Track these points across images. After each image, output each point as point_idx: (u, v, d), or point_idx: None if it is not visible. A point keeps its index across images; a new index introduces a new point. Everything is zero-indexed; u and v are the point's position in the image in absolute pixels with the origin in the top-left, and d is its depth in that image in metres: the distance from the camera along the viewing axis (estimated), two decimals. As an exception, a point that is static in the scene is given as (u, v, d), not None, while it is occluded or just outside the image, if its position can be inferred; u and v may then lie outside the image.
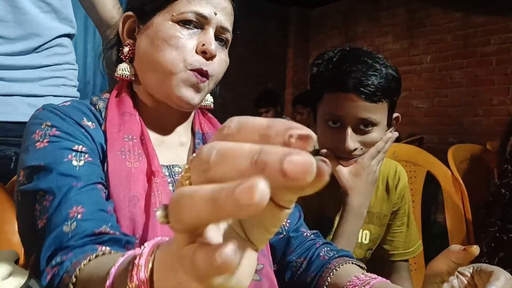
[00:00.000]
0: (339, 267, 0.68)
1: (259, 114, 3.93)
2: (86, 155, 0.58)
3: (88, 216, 0.52)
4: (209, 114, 0.80)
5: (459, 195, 1.50)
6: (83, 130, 0.60)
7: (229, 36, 0.69)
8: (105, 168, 0.59)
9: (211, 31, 0.65)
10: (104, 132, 0.62)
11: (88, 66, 3.17)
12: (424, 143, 3.82)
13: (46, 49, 0.91)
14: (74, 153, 0.57)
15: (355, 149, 0.87)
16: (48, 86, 0.91)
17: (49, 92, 0.92)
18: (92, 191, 0.55)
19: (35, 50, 0.89)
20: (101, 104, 0.67)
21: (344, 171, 0.90)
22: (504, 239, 1.26)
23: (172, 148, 0.71)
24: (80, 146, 0.58)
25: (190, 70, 0.63)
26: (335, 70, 0.86)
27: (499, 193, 1.31)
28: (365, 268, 0.70)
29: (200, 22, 0.64)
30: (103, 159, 0.60)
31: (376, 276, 0.64)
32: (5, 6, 0.83)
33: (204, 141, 0.73)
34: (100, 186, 0.57)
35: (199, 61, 0.63)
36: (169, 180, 0.66)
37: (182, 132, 0.73)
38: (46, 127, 0.58)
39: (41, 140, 0.57)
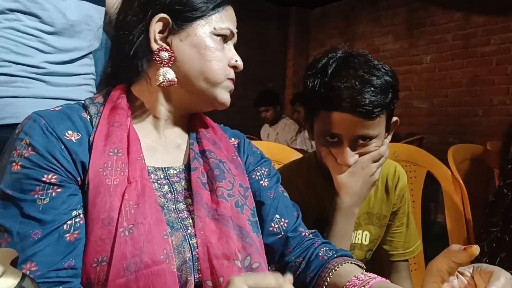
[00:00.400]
0: (338, 267, 0.68)
1: (259, 113, 3.93)
2: (55, 187, 0.57)
3: (39, 278, 0.52)
4: (204, 116, 0.80)
5: (459, 195, 1.50)
6: (63, 146, 0.59)
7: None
8: (85, 186, 0.59)
9: (232, 46, 0.74)
10: (91, 144, 0.61)
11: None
12: (424, 143, 3.82)
13: (81, 59, 1.03)
14: (41, 186, 0.56)
15: (355, 161, 0.88)
16: (81, 91, 1.02)
17: (81, 97, 1.00)
18: (51, 243, 0.55)
19: (75, 60, 1.01)
20: (93, 110, 0.67)
21: (338, 170, 0.89)
22: (506, 240, 1.26)
23: (169, 151, 0.72)
24: (50, 175, 0.57)
25: (228, 79, 0.72)
26: (330, 88, 0.84)
27: (502, 194, 1.31)
28: (364, 267, 0.70)
29: (229, 38, 0.72)
30: (84, 176, 0.60)
31: (376, 276, 0.64)
32: (65, 23, 0.96)
33: (199, 140, 0.74)
34: (65, 226, 0.56)
35: (233, 73, 0.73)
36: (164, 181, 0.67)
37: (179, 134, 0.75)
38: (24, 145, 0.58)
39: (16, 161, 0.57)
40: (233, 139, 0.81)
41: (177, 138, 0.74)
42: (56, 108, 0.65)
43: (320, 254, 0.73)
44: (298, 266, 0.73)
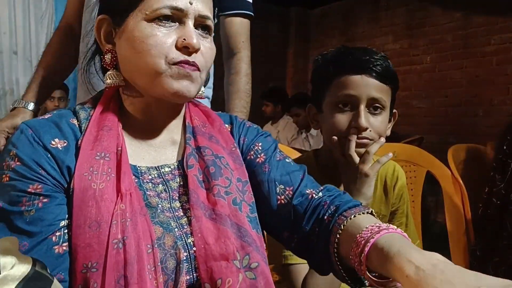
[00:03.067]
0: (345, 224, 0.62)
1: (259, 112, 3.92)
2: (41, 197, 0.57)
3: None
4: (202, 104, 0.78)
5: (459, 195, 1.50)
6: (49, 155, 0.59)
7: (210, 22, 0.66)
8: (71, 190, 0.58)
9: (190, 24, 0.62)
10: (78, 149, 0.61)
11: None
12: (424, 143, 3.81)
13: None
14: (27, 197, 0.56)
15: (367, 128, 0.88)
16: None
17: None
18: (39, 255, 0.54)
19: None
20: (82, 115, 0.66)
21: (355, 174, 0.89)
22: (498, 245, 1.26)
23: (163, 148, 0.70)
24: (35, 185, 0.57)
25: (174, 64, 0.61)
26: (344, 55, 0.91)
27: (491, 202, 1.31)
28: (374, 214, 0.66)
29: (177, 16, 0.62)
30: (70, 181, 0.59)
31: (388, 226, 0.58)
32: None
33: (195, 135, 0.71)
34: (53, 238, 0.56)
35: (181, 55, 0.61)
36: (159, 180, 0.66)
37: (174, 129, 0.72)
38: (12, 156, 0.58)
39: (5, 173, 0.57)
40: (227, 125, 0.77)
41: (172, 133, 0.72)
42: (46, 116, 0.64)
43: (325, 218, 0.66)
44: (316, 234, 0.67)
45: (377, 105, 0.89)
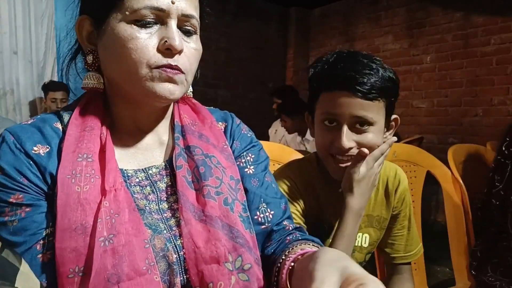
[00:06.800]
0: (293, 248, 0.63)
1: (259, 113, 3.91)
2: (23, 207, 0.56)
3: None
4: (193, 100, 0.75)
5: (459, 195, 1.50)
6: (31, 161, 0.58)
7: (195, 22, 0.63)
8: (54, 195, 0.57)
9: (173, 24, 0.59)
10: (60, 152, 0.59)
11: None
12: (424, 143, 3.81)
13: None
14: (9, 207, 0.56)
15: (350, 148, 0.86)
16: None
17: None
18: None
19: None
20: (66, 118, 0.64)
21: (350, 172, 0.89)
22: (497, 247, 1.25)
23: (151, 150, 0.69)
24: (16, 195, 0.56)
25: (156, 68, 0.58)
26: (331, 69, 0.87)
27: (490, 203, 1.30)
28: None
29: (158, 17, 0.59)
30: (53, 187, 0.57)
31: (310, 249, 0.59)
32: None
33: (184, 134, 0.69)
34: (38, 246, 0.55)
35: (163, 58, 0.59)
36: (146, 182, 0.65)
37: (162, 130, 0.71)
38: None
39: None
40: (220, 123, 0.75)
41: (160, 135, 0.70)
42: (29, 121, 0.63)
43: (287, 240, 0.68)
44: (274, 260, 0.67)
45: (363, 122, 0.86)
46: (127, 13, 0.58)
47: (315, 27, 5.51)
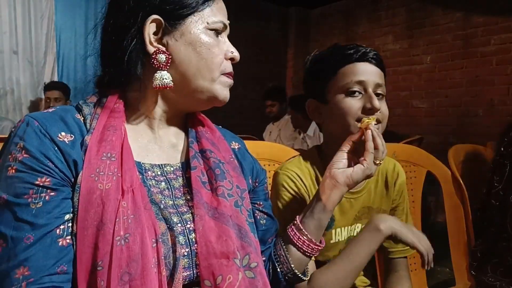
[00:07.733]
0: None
1: (259, 113, 3.92)
2: (49, 191, 0.57)
3: (32, 284, 0.53)
4: (202, 115, 0.80)
5: (459, 195, 1.50)
6: (56, 147, 0.59)
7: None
8: (78, 187, 0.59)
9: (226, 38, 0.72)
10: (86, 147, 0.61)
11: (89, 66, 3.17)
12: (424, 143, 3.81)
13: None
14: (35, 189, 0.57)
15: (378, 110, 0.91)
16: None
17: None
18: (43, 247, 0.55)
19: None
20: (86, 110, 0.67)
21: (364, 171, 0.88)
22: (498, 247, 1.25)
23: (164, 150, 0.72)
24: (43, 178, 0.57)
25: (223, 74, 0.70)
26: (345, 48, 0.97)
27: (489, 203, 1.30)
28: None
29: (222, 30, 0.71)
30: (77, 175, 0.59)
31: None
32: None
33: (198, 139, 0.74)
34: (57, 230, 0.57)
35: (229, 66, 0.71)
36: (161, 178, 0.68)
37: (175, 134, 0.75)
38: (19, 148, 0.58)
39: (12, 165, 0.57)
40: (233, 142, 0.83)
41: (172, 137, 0.75)
42: (50, 110, 0.65)
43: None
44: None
45: (379, 91, 0.94)
46: (208, 22, 0.68)
47: (315, 27, 5.51)
